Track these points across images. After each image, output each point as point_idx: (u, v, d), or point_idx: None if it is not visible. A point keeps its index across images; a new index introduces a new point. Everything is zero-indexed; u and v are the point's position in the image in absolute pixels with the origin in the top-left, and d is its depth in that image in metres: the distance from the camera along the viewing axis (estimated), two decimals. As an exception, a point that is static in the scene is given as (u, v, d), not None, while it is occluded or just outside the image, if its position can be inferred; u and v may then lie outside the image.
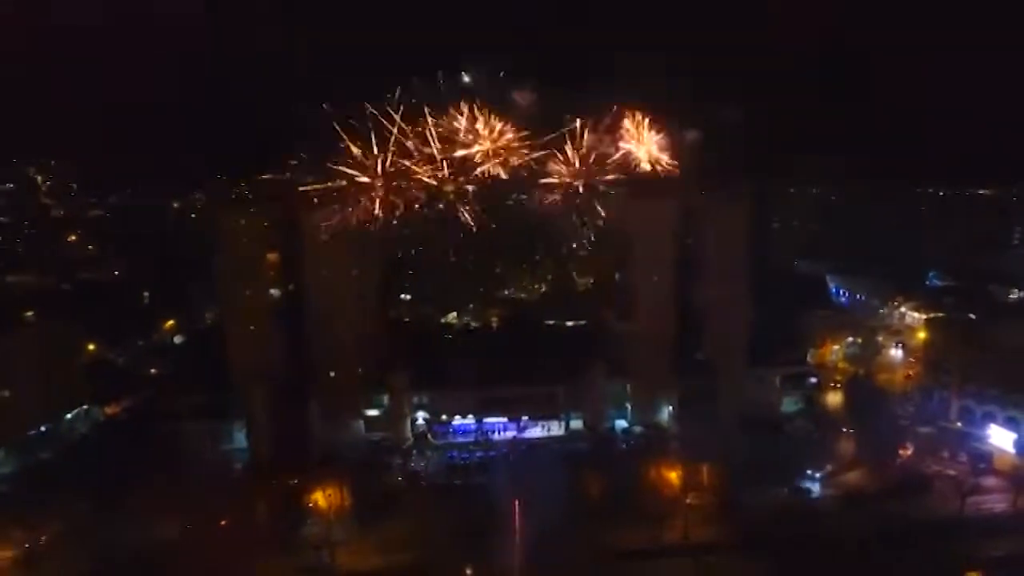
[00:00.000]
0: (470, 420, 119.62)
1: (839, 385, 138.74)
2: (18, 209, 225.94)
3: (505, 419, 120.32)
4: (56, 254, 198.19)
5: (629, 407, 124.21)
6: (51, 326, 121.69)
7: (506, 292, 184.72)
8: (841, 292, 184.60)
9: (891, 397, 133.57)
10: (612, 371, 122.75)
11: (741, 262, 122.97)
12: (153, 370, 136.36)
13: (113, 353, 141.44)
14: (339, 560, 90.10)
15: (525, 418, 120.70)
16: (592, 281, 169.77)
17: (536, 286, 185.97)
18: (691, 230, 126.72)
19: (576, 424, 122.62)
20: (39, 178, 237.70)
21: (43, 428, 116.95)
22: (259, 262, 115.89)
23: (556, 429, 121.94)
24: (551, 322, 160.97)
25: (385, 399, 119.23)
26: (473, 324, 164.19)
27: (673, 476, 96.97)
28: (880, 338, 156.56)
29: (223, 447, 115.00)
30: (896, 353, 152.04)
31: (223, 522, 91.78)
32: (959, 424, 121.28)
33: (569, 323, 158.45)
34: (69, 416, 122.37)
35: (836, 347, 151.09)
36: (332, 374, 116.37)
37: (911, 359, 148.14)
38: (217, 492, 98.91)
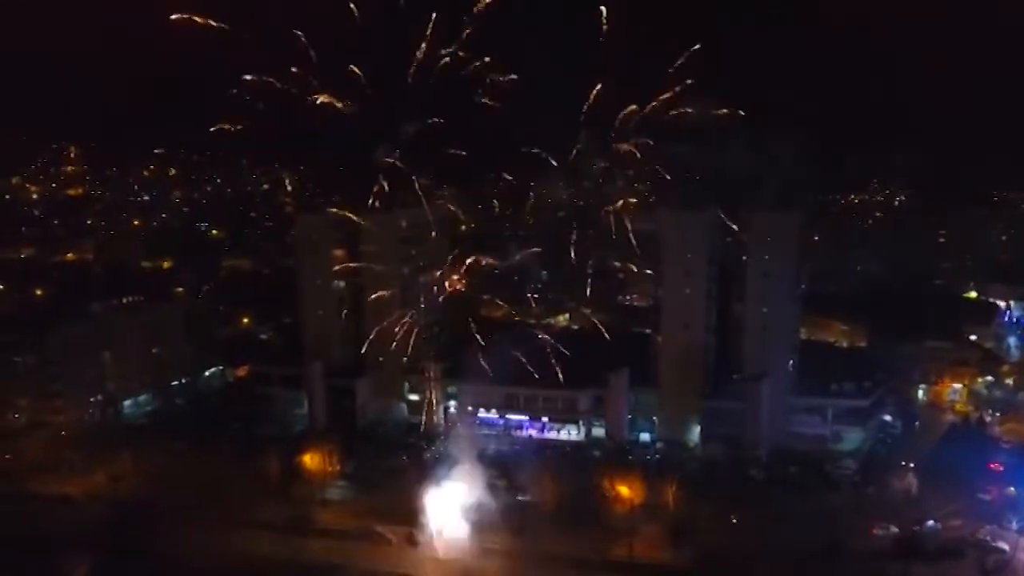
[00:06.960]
0: (494, 415, 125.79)
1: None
2: (266, 206, 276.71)
3: (527, 418, 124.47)
4: (277, 244, 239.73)
5: (656, 421, 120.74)
6: (198, 301, 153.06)
7: (627, 299, 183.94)
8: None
9: (996, 449, 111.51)
10: (647, 382, 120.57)
11: (789, 279, 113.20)
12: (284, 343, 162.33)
13: (264, 326, 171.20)
14: (320, 517, 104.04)
15: (545, 419, 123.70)
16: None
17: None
18: (738, 243, 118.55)
19: (599, 431, 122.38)
20: (287, 180, 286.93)
21: (183, 380, 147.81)
22: (327, 259, 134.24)
23: (577, 434, 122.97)
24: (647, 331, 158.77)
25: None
26: (573, 326, 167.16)
27: (626, 491, 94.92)
28: None
29: (295, 412, 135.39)
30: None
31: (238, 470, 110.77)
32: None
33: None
34: (207, 374, 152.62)
35: (958, 385, 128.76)
36: (380, 359, 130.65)
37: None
38: (257, 447, 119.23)
